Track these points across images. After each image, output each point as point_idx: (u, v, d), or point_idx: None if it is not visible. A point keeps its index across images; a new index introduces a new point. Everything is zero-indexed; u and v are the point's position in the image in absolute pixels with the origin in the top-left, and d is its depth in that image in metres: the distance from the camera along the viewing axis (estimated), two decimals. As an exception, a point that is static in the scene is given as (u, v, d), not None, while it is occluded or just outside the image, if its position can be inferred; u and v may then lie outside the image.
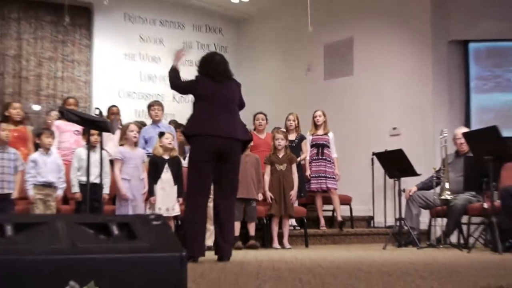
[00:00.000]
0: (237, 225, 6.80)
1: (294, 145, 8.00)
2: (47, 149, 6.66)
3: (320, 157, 8.06)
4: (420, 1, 9.36)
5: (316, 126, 8.18)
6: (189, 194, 5.01)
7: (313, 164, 8.08)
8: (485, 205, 6.04)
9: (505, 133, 5.94)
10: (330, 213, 8.54)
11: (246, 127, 5.40)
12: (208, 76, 5.05)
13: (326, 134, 8.15)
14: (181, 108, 9.94)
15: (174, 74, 5.12)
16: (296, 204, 7.32)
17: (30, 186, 6.47)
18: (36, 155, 6.65)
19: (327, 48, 10.40)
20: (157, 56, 11.19)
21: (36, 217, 3.59)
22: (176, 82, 5.13)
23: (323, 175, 8.01)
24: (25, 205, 6.54)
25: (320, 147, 8.09)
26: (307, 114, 8.51)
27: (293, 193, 7.11)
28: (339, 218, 8.08)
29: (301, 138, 8.29)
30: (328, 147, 8.12)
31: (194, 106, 5.13)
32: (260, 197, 7.02)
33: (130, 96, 10.78)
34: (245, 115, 8.44)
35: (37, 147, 6.93)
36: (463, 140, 6.70)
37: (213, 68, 5.08)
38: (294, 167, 7.28)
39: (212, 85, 4.99)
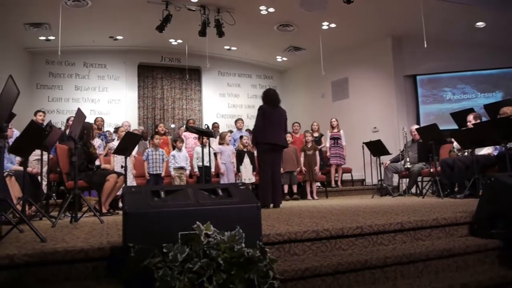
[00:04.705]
0: (286, 187, 6.80)
1: (317, 139, 7.89)
2: (179, 149, 6.80)
3: (336, 145, 7.96)
4: (386, 52, 9.06)
5: (333, 127, 8.09)
6: (261, 170, 4.95)
7: (331, 149, 7.97)
8: (431, 170, 5.81)
9: (441, 127, 5.69)
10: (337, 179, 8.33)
11: (286, 138, 5.22)
12: (267, 103, 4.97)
13: (339, 131, 8.07)
14: (252, 122, 9.95)
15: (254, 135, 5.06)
16: (319, 174, 7.18)
17: (172, 169, 6.61)
18: (174, 152, 6.79)
19: (333, 83, 10.15)
20: (237, 94, 11.18)
21: (176, 186, 3.66)
22: (255, 133, 5.01)
23: (338, 155, 7.95)
24: (169, 180, 6.68)
25: (336, 139, 7.98)
26: (324, 121, 8.40)
27: (317, 168, 6.99)
28: (339, 182, 8.12)
29: (321, 135, 8.24)
30: (340, 139, 8.02)
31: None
32: (298, 170, 6.92)
33: (223, 117, 10.80)
34: (288, 123, 8.47)
35: (173, 147, 7.08)
36: (416, 132, 6.46)
37: (270, 98, 4.99)
38: (317, 152, 7.13)
39: (270, 110, 4.89)
